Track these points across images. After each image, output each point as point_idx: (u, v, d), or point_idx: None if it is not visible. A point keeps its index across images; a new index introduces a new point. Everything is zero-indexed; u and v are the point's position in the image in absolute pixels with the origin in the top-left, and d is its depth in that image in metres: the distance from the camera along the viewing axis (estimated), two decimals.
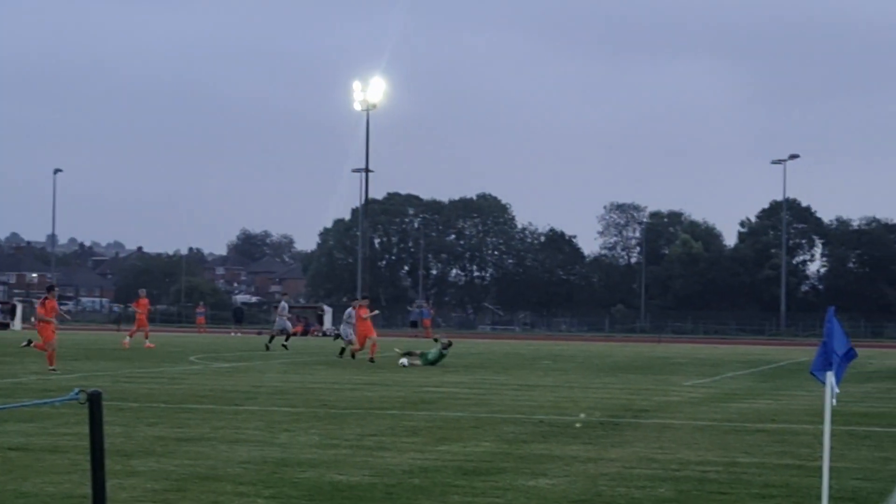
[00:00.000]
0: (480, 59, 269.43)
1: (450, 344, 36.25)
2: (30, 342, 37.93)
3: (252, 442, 14.66)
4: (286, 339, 48.07)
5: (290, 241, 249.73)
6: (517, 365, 37.61)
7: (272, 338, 48.22)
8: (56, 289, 33.67)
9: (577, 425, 13.73)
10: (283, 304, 51.61)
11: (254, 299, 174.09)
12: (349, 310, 41.14)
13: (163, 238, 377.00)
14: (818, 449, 8.85)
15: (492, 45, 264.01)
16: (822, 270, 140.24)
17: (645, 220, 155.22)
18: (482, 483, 11.53)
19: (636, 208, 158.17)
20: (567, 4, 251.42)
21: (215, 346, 49.88)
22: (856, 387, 27.80)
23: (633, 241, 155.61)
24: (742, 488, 11.40)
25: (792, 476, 12.23)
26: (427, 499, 10.66)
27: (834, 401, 8.64)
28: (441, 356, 35.01)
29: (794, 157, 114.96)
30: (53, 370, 29.54)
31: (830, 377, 8.55)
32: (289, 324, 50.51)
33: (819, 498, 9.49)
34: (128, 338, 47.47)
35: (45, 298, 32.25)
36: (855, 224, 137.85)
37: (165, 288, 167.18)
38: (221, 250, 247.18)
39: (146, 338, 47.24)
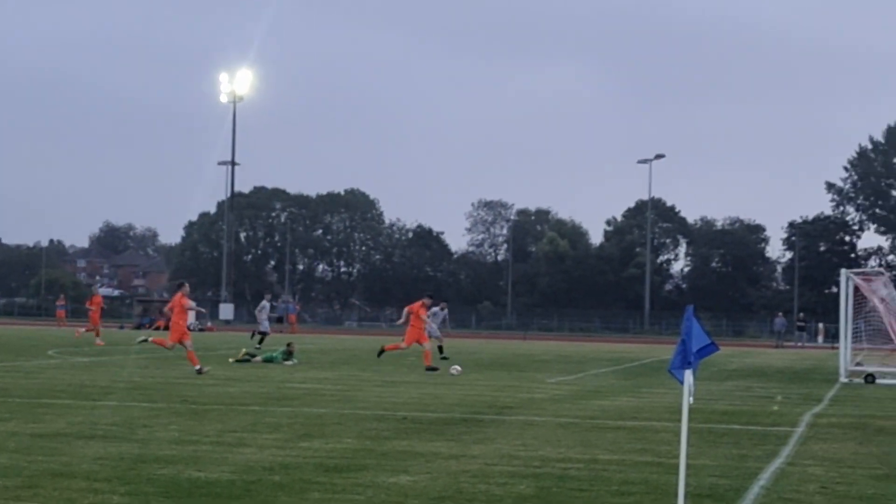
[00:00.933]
0: (351, 53, 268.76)
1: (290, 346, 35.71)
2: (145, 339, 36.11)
3: (109, 438, 14.37)
4: (260, 341, 45.79)
5: (154, 234, 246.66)
6: (382, 361, 37.51)
7: (253, 334, 46.91)
8: (186, 286, 31.70)
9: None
10: (265, 303, 50.17)
11: (116, 293, 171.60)
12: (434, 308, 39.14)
13: (22, 229, 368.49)
14: (677, 446, 8.92)
15: (363, 41, 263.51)
16: (686, 269, 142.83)
17: (512, 217, 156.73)
18: (343, 480, 11.43)
19: (504, 206, 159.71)
20: (438, 3, 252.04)
21: (75, 341, 48.95)
22: (716, 385, 28.26)
23: (501, 239, 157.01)
24: (602, 485, 11.45)
25: (651, 473, 12.33)
26: (287, 495, 10.53)
27: (691, 399, 8.70)
28: (285, 356, 34.65)
29: (659, 156, 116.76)
30: (200, 370, 28.05)
31: (689, 376, 8.60)
32: (267, 323, 48.28)
33: (677, 495, 9.55)
34: (96, 336, 47.22)
35: (180, 295, 30.18)
36: (719, 224, 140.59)
37: (24, 280, 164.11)
38: (83, 242, 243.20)
39: (84, 331, 47.39)
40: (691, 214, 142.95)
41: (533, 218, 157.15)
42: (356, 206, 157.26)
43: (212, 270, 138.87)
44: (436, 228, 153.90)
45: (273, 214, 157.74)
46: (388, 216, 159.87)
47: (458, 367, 31.61)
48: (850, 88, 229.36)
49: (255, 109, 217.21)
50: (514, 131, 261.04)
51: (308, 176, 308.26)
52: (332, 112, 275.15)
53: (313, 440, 14.64)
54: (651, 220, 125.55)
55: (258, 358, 34.67)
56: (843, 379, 31.87)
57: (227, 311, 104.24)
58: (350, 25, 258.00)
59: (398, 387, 25.30)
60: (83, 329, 49.18)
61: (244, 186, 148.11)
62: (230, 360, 34.51)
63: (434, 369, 31.49)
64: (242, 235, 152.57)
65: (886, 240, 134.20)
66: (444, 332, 43.55)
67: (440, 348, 39.15)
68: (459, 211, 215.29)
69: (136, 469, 11.82)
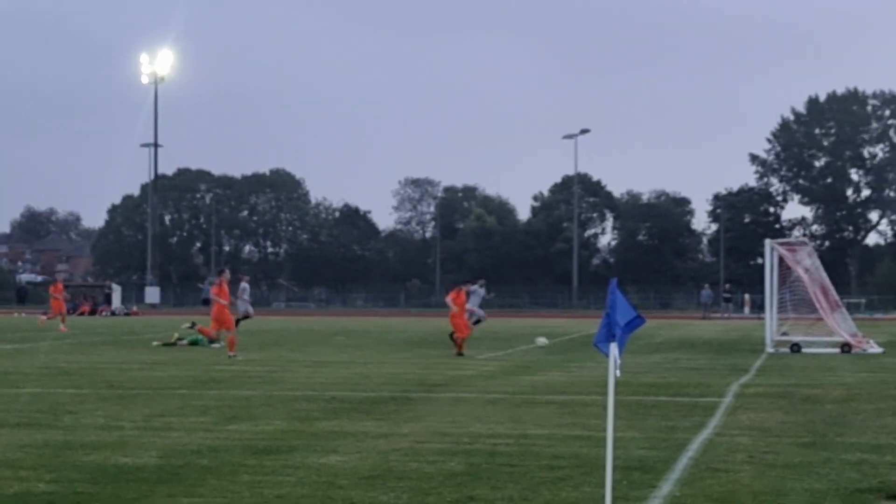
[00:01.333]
0: (273, 32, 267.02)
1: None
2: (193, 324, 35.29)
3: (34, 425, 14.19)
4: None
5: (77, 219, 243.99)
6: (311, 342, 37.45)
7: (237, 321, 45.92)
8: (226, 271, 31.26)
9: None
10: (244, 285, 49.23)
11: (39, 278, 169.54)
12: (474, 287, 37.58)
13: None
14: (606, 419, 8.93)
15: (284, 19, 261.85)
16: (613, 243, 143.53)
17: (439, 194, 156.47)
18: (272, 462, 11.36)
19: (431, 183, 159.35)
20: None
21: (40, 329, 48.42)
22: (644, 357, 28.43)
23: (428, 216, 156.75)
24: (532, 460, 11.46)
25: (581, 447, 12.36)
26: (215, 479, 10.43)
27: (618, 372, 8.71)
28: (211, 339, 34.44)
29: (584, 131, 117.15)
30: (234, 356, 27.80)
31: (614, 349, 8.60)
32: (250, 307, 47.18)
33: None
34: (43, 317, 47.26)
35: (220, 281, 29.85)
36: (644, 198, 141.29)
37: None
38: (4, 228, 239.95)
39: (47, 319, 47.07)
40: (617, 188, 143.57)
41: (460, 195, 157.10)
42: (282, 186, 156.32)
43: (136, 254, 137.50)
44: (363, 207, 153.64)
45: (198, 196, 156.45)
46: (315, 195, 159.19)
47: (545, 339, 31.87)
48: (772, 61, 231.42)
49: (177, 90, 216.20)
50: (440, 108, 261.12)
51: (232, 157, 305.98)
52: (255, 92, 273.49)
53: (241, 422, 14.54)
54: (577, 194, 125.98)
55: (184, 341, 34.44)
56: (769, 349, 32.20)
57: (153, 294, 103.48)
58: (272, 3, 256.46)
59: (327, 367, 25.23)
60: (45, 317, 48.70)
61: (168, 168, 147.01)
62: (154, 343, 34.26)
63: (461, 355, 29.56)
64: (167, 218, 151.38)
65: (810, 210, 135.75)
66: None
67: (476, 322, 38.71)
68: (386, 189, 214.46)
69: (62, 456, 11.68)
